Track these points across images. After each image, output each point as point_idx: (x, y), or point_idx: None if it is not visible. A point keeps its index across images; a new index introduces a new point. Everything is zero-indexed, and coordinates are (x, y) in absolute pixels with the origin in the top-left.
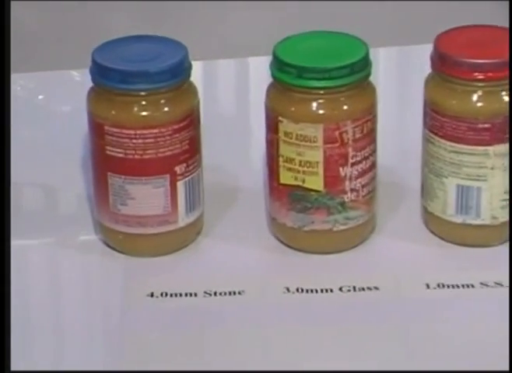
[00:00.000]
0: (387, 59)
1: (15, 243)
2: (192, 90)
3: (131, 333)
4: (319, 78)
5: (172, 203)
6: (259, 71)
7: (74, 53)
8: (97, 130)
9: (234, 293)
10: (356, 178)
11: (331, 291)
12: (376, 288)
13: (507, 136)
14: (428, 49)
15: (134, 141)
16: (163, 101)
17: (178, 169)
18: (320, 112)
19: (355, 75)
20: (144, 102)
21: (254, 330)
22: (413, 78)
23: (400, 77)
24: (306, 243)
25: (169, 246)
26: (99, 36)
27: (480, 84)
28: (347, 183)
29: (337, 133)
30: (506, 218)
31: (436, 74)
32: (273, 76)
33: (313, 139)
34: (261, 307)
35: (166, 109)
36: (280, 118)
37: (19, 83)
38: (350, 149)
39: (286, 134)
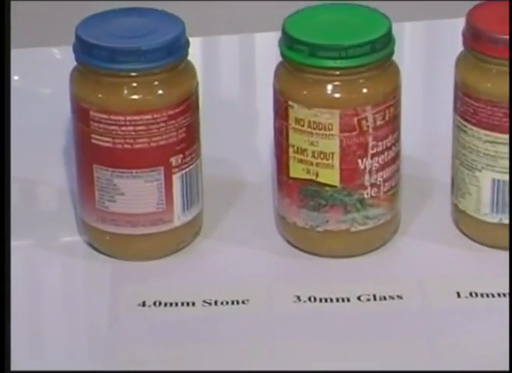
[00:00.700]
0: (412, 35)
1: None
2: (190, 71)
3: (119, 348)
4: (335, 57)
5: (167, 200)
6: (266, 48)
7: (54, 27)
8: (81, 115)
9: (237, 302)
10: (377, 171)
11: (348, 300)
12: (400, 297)
13: None
14: (459, 24)
15: (123, 128)
16: (156, 83)
17: (174, 161)
18: (336, 96)
19: (375, 54)
20: (135, 84)
21: (260, 345)
22: (442, 57)
23: (427, 56)
24: (319, 245)
25: (163, 249)
26: (83, 9)
27: None
28: (366, 176)
29: (355, 120)
30: None
31: (468, 53)
32: (282, 55)
33: (327, 127)
34: (268, 318)
35: (160, 92)
36: (290, 103)
37: None
38: (370, 138)
39: (297, 120)
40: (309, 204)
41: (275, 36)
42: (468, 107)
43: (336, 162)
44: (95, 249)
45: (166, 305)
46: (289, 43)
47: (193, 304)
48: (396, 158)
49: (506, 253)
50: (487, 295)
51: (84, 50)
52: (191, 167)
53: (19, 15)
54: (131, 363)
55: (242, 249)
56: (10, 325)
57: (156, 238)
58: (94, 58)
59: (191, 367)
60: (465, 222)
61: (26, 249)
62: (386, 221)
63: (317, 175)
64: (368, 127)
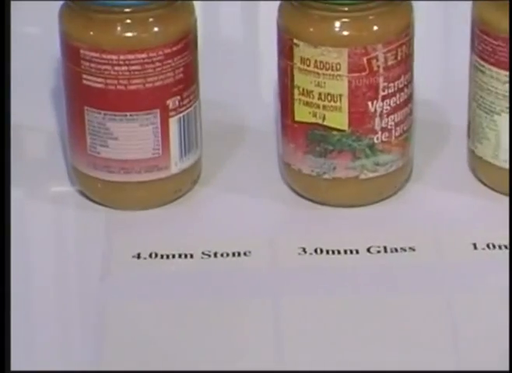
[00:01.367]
0: None
1: None
2: (188, 6)
3: (113, 303)
4: None
5: (163, 145)
6: None
7: None
8: (72, 55)
9: (239, 254)
10: (388, 114)
11: (357, 252)
12: (412, 249)
13: None
14: None
15: (116, 68)
16: (151, 19)
17: (171, 103)
18: (345, 33)
19: None
20: (129, 21)
21: (262, 301)
22: None
23: None
24: (326, 194)
25: (159, 197)
26: None
27: None
28: (377, 120)
29: (365, 59)
30: None
31: None
32: None
33: (335, 67)
34: (271, 272)
35: (155, 29)
36: (295, 41)
37: None
38: (381, 79)
39: (303, 60)
40: (315, 150)
41: None
42: (487, 46)
43: (344, 104)
44: (87, 197)
45: (162, 256)
46: None
47: (191, 256)
48: (408, 100)
49: None
50: (505, 247)
51: None
52: (189, 110)
53: None
54: (123, 321)
55: (243, 198)
56: (10, 325)
57: (152, 186)
58: None
59: (187, 326)
60: (483, 169)
61: (13, 199)
62: (397, 167)
63: (323, 118)
64: (379, 66)
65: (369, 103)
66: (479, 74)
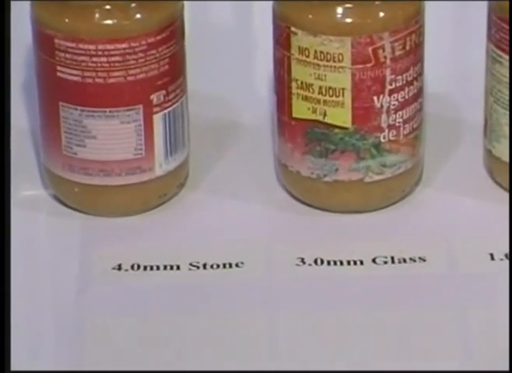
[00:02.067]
0: None
1: None
2: None
3: (92, 319)
4: None
5: (146, 145)
6: None
7: None
8: (45, 44)
9: (230, 265)
10: (396, 111)
11: (362, 263)
12: (423, 259)
13: None
14: None
15: (95, 59)
16: (133, 5)
17: (155, 98)
18: (348, 21)
19: None
20: (108, 7)
21: (257, 316)
22: None
23: None
24: (327, 198)
25: (142, 202)
26: None
27: None
28: (383, 117)
29: (370, 49)
30: None
31: None
32: None
33: (337, 58)
34: (267, 284)
35: (138, 16)
36: (293, 29)
37: None
38: (388, 71)
39: (301, 50)
40: (315, 150)
41: None
42: (505, 34)
43: (347, 99)
44: (61, 202)
45: (145, 268)
46: None
47: (178, 267)
48: (418, 95)
49: None
50: None
51: None
52: (175, 106)
53: None
54: (103, 339)
55: (235, 202)
56: (10, 325)
57: (134, 190)
58: None
59: (175, 343)
60: (501, 171)
61: None
62: (406, 169)
63: (324, 115)
64: (385, 57)
65: (375, 98)
66: (497, 65)
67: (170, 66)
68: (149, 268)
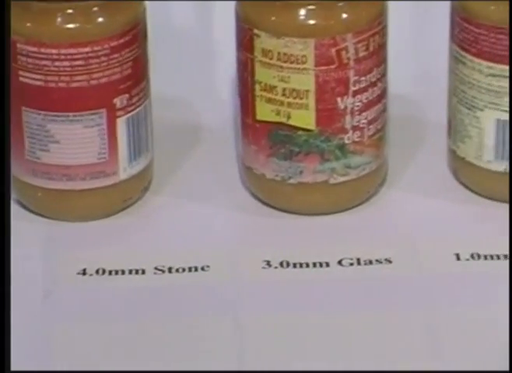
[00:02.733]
0: None
1: None
2: None
3: (57, 325)
4: None
5: (110, 149)
6: None
7: None
8: None
9: (196, 269)
10: (360, 112)
11: (327, 264)
12: (389, 261)
13: None
14: None
15: (57, 63)
16: (96, 9)
17: (118, 102)
18: (311, 22)
19: None
20: (70, 11)
21: (223, 319)
22: None
23: None
24: (292, 200)
25: (106, 207)
26: None
27: None
28: (348, 118)
29: (333, 50)
30: None
31: None
32: None
33: (301, 59)
34: (233, 287)
35: (100, 19)
36: (256, 31)
37: None
38: (351, 73)
39: (265, 52)
40: (279, 152)
41: None
42: (468, 34)
43: (311, 101)
44: (25, 207)
45: (110, 273)
46: None
47: (143, 271)
48: (382, 96)
49: None
50: (491, 257)
51: None
52: (138, 109)
53: None
54: (68, 345)
55: (200, 206)
56: (10, 326)
57: (98, 195)
58: None
59: (141, 347)
60: (465, 171)
61: None
62: (371, 170)
63: (288, 117)
64: (349, 59)
65: (339, 99)
66: (460, 66)
67: (132, 69)
68: (113, 272)
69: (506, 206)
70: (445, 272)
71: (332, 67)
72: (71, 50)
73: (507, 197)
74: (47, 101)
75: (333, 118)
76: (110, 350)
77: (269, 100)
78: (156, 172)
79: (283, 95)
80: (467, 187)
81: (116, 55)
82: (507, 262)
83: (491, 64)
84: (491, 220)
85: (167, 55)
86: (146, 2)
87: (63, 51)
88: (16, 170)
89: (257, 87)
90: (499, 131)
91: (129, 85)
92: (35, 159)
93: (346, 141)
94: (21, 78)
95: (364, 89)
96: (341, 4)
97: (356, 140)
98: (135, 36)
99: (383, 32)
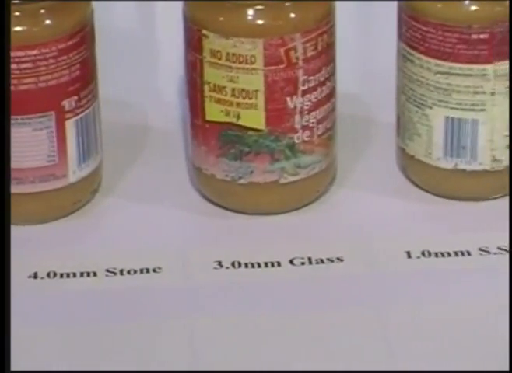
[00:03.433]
0: None
1: None
2: None
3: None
4: None
5: (59, 151)
6: None
7: None
8: None
9: (148, 270)
10: (310, 111)
11: (279, 264)
12: (340, 260)
13: None
14: None
15: None
16: (43, 11)
17: (67, 104)
18: (259, 22)
19: None
20: (18, 13)
21: (176, 321)
22: None
23: None
24: (243, 201)
25: (56, 210)
26: None
27: None
28: (297, 118)
29: (282, 50)
30: None
31: None
32: None
33: (250, 59)
34: (185, 288)
35: (48, 22)
36: (204, 32)
37: None
38: (300, 72)
39: (213, 53)
40: (229, 152)
41: None
42: (415, 32)
43: (261, 101)
44: None
45: (62, 276)
46: None
47: (94, 274)
48: (331, 95)
49: (463, 205)
50: (442, 254)
51: None
52: (87, 111)
53: None
54: (19, 348)
55: (150, 207)
56: (10, 326)
57: (48, 198)
58: None
59: (93, 349)
60: (414, 169)
61: None
62: (321, 169)
63: (238, 117)
64: (297, 58)
65: (288, 99)
66: (408, 64)
67: (81, 71)
68: (65, 275)
69: (456, 203)
70: (396, 270)
71: (281, 66)
72: (19, 53)
73: (456, 194)
74: None
75: (283, 118)
76: (61, 352)
77: (218, 101)
78: (105, 174)
79: (232, 95)
80: (416, 185)
81: (64, 57)
82: (459, 259)
83: (439, 62)
84: (441, 217)
85: (113, 58)
86: (93, 4)
87: (11, 54)
88: None
89: (206, 88)
90: (448, 129)
91: (78, 87)
92: None
93: (296, 141)
94: None
95: (313, 89)
96: (289, 4)
97: (306, 139)
98: (83, 37)
99: (331, 31)
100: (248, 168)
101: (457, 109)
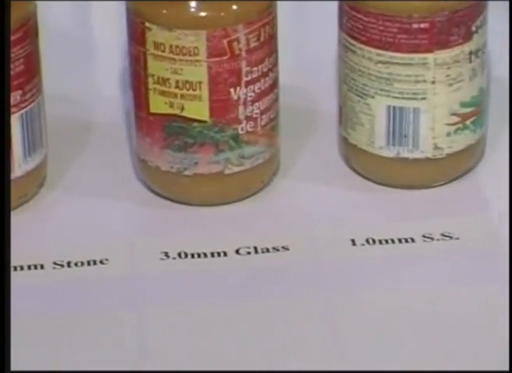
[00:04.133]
0: None
1: None
2: None
3: None
4: None
5: None
6: None
7: None
8: None
9: (95, 262)
10: (253, 102)
11: (225, 254)
12: (286, 248)
13: (454, 38)
14: None
15: None
16: None
17: (11, 98)
18: (202, 14)
19: None
20: None
21: (124, 312)
22: None
23: None
24: (188, 192)
25: None
26: None
27: None
28: (241, 108)
29: (225, 42)
30: (454, 149)
31: None
32: None
33: (193, 51)
34: (133, 279)
35: None
36: (147, 24)
37: None
38: (244, 63)
39: (157, 45)
40: (174, 144)
41: None
42: (356, 23)
43: (205, 92)
44: None
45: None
46: None
47: (42, 267)
48: (274, 85)
49: (406, 192)
50: (386, 242)
51: None
52: (31, 105)
53: None
54: None
55: (96, 200)
56: (10, 326)
57: None
58: None
59: (41, 343)
60: (357, 158)
61: None
62: (265, 160)
63: (182, 108)
64: (240, 49)
65: (232, 90)
66: (349, 54)
67: (25, 66)
68: (12, 268)
69: (399, 191)
70: (342, 257)
71: (224, 58)
72: None
73: (399, 183)
74: None
75: (226, 109)
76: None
77: (162, 93)
78: (50, 168)
79: (176, 87)
80: (359, 174)
81: None
82: (402, 245)
83: (380, 52)
84: (384, 205)
85: (50, 53)
86: None
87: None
88: None
89: (150, 80)
90: (390, 117)
91: (22, 81)
92: None
93: (240, 132)
94: None
95: (256, 79)
96: None
97: (250, 130)
98: (27, 32)
99: (273, 22)
100: (193, 159)
101: (398, 98)
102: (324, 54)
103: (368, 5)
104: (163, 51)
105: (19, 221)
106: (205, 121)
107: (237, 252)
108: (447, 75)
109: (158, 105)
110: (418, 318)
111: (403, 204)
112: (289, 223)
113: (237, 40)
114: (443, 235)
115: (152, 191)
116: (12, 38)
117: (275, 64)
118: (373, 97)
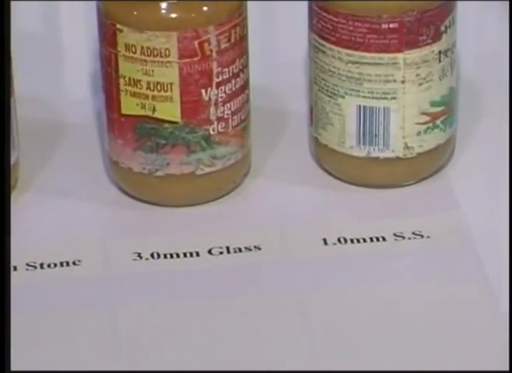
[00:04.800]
0: None
1: None
2: None
3: None
4: None
5: None
6: None
7: None
8: None
9: (68, 263)
10: (224, 103)
11: (198, 254)
12: (258, 248)
13: (423, 38)
14: None
15: None
16: None
17: None
18: (173, 15)
19: None
20: None
21: (98, 312)
22: None
23: None
24: (160, 193)
25: None
26: None
27: None
28: (212, 109)
29: (196, 43)
30: (424, 148)
31: None
32: None
33: (164, 53)
34: (105, 280)
35: None
36: (118, 26)
37: None
38: (215, 64)
39: (128, 47)
40: (146, 145)
41: None
42: (326, 23)
43: (176, 93)
44: None
45: None
46: None
47: (15, 268)
48: (245, 86)
49: (377, 192)
50: (358, 241)
51: None
52: None
53: None
54: None
55: (68, 201)
56: (10, 326)
57: None
58: None
59: (14, 345)
60: (328, 158)
61: None
62: (236, 160)
63: (153, 110)
64: (211, 50)
65: (203, 91)
66: (319, 54)
67: None
68: None
69: (369, 190)
70: (314, 256)
71: (195, 59)
72: None
73: (370, 182)
74: None
75: (198, 110)
76: None
77: (134, 94)
78: (22, 170)
79: (148, 88)
80: (330, 174)
81: None
82: (374, 244)
83: (350, 52)
84: (355, 205)
85: (27, 53)
86: None
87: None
88: None
89: (121, 81)
90: (361, 117)
91: None
92: None
93: (211, 132)
94: None
95: (227, 80)
96: None
97: (221, 130)
98: None
99: (243, 23)
100: (165, 160)
101: (368, 97)
102: (295, 54)
103: (337, 6)
104: (135, 53)
105: None
106: (176, 122)
107: (210, 252)
108: (417, 75)
109: (129, 106)
110: (389, 316)
111: (374, 203)
112: (261, 223)
113: (208, 41)
114: (414, 233)
115: (125, 192)
116: None
117: (246, 65)
118: (343, 97)
